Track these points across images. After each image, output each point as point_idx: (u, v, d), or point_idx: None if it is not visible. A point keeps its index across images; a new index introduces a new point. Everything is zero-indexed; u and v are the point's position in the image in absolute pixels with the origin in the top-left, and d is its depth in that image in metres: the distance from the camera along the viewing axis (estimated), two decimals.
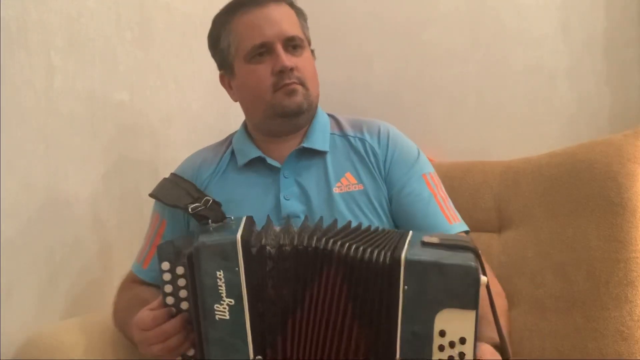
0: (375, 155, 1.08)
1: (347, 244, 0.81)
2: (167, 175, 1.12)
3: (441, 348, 0.73)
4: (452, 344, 0.73)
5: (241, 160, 1.10)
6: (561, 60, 1.46)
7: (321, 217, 0.90)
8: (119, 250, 1.27)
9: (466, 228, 1.06)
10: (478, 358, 0.74)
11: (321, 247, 0.81)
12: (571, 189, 1.16)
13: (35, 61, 1.11)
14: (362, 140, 1.10)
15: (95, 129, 1.24)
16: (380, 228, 0.89)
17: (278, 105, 1.04)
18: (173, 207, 1.03)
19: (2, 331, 1.03)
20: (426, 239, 0.79)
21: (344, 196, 1.04)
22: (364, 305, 0.79)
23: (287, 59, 1.03)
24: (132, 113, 1.34)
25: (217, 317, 0.79)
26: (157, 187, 1.09)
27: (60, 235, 1.16)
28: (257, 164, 1.09)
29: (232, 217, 0.90)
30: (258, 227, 0.88)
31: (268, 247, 0.82)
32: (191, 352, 0.86)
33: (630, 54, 1.38)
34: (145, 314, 0.86)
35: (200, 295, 0.79)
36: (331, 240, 0.81)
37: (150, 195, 1.08)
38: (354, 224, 0.91)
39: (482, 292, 0.76)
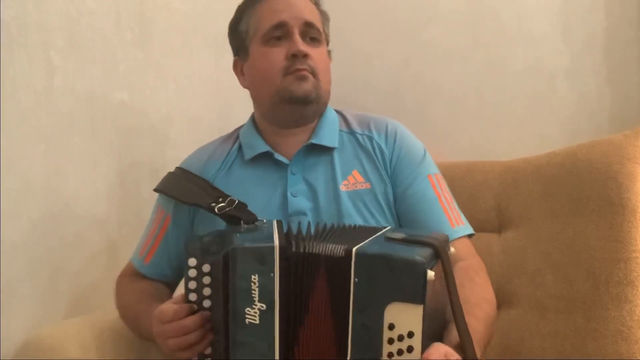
0: (382, 153, 1.07)
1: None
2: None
3: (390, 341, 0.74)
4: (400, 338, 0.74)
5: (248, 154, 1.09)
6: (561, 60, 1.45)
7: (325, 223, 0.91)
8: (119, 251, 1.27)
9: (470, 231, 1.06)
10: (427, 353, 0.74)
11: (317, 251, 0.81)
12: (571, 189, 1.16)
13: (35, 61, 1.11)
14: (370, 138, 1.09)
15: (95, 129, 1.24)
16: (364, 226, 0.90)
17: (286, 90, 1.03)
18: (192, 205, 1.03)
19: (2, 331, 1.03)
20: (392, 234, 0.81)
21: (350, 194, 1.03)
22: (334, 300, 0.80)
23: (302, 45, 1.03)
24: (132, 113, 1.34)
25: (247, 320, 0.79)
26: (164, 182, 1.08)
27: (60, 235, 1.16)
28: (264, 159, 1.08)
29: (265, 220, 0.90)
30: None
31: (301, 253, 0.82)
32: (208, 351, 0.85)
33: (630, 54, 1.38)
34: (167, 307, 0.86)
35: (232, 296, 0.79)
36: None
37: (157, 190, 1.08)
38: (359, 222, 0.91)
39: (438, 288, 0.76)
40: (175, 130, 1.47)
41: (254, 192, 1.04)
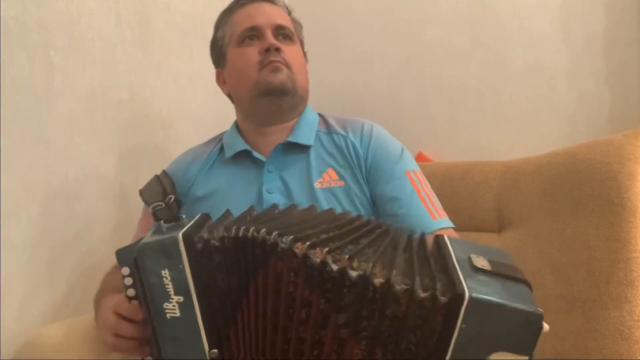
0: (356, 153, 1.10)
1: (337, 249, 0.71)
2: None
3: None
4: None
5: (228, 152, 1.13)
6: (561, 60, 1.45)
7: (294, 205, 0.89)
8: None
9: (451, 225, 1.06)
10: None
11: (262, 239, 0.74)
12: (571, 189, 1.16)
13: (35, 61, 1.11)
14: (345, 138, 1.12)
15: (95, 129, 1.24)
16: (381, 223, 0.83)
17: (262, 82, 1.07)
18: (145, 204, 1.08)
19: (2, 331, 1.03)
20: (475, 261, 0.73)
21: (325, 192, 1.06)
22: (357, 320, 0.69)
23: (274, 40, 1.09)
24: (132, 113, 1.34)
25: (167, 315, 0.77)
26: (145, 184, 1.13)
27: (61, 235, 1.16)
28: (243, 157, 1.12)
29: (184, 216, 0.88)
30: (234, 216, 0.86)
31: (212, 241, 0.78)
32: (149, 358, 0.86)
33: (630, 54, 1.38)
34: (123, 301, 0.86)
35: (149, 295, 0.78)
36: (279, 234, 0.74)
37: (139, 191, 1.11)
38: None
39: None
40: (175, 130, 1.47)
41: (232, 188, 1.08)
